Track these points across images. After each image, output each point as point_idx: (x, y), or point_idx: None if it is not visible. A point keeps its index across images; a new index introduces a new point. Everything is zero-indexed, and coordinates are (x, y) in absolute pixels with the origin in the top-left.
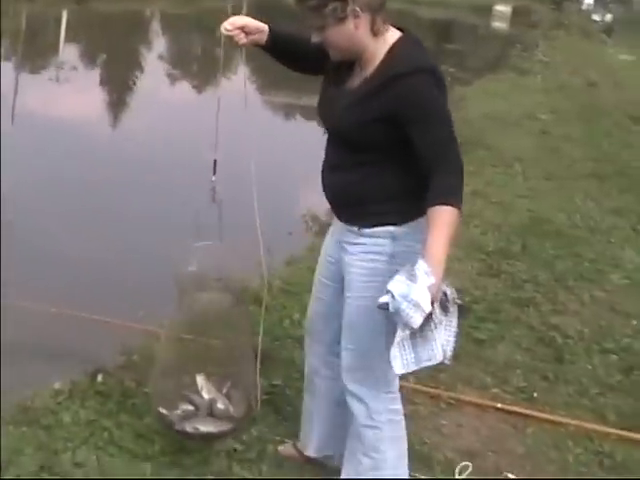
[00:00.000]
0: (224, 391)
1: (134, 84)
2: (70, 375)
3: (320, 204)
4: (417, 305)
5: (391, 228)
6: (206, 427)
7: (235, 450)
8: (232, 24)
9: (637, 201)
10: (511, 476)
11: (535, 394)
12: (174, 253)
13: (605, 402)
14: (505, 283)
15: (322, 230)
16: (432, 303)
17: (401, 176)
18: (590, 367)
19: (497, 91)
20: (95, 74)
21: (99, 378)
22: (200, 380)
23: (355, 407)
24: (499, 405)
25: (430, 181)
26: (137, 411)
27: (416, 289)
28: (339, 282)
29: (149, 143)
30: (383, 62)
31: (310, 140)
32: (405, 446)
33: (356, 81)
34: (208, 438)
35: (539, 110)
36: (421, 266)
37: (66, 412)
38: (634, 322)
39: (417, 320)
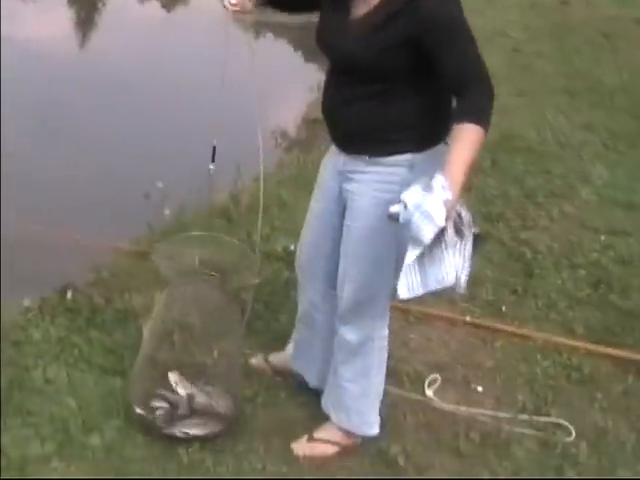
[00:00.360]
0: (198, 387)
1: (102, 3)
2: (39, 292)
3: (288, 121)
4: (430, 217)
5: (409, 156)
6: (196, 430)
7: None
8: None
9: (608, 117)
10: (480, 389)
11: (504, 308)
12: (145, 172)
13: (574, 316)
14: (476, 198)
15: (291, 146)
16: (446, 220)
17: (420, 102)
18: (559, 281)
19: (472, 7)
20: None
21: (69, 295)
22: (173, 377)
23: (350, 336)
24: (468, 319)
25: (461, 99)
26: (106, 327)
27: (430, 200)
28: (338, 215)
29: (120, 63)
30: None
31: (280, 58)
32: (384, 370)
33: (362, 9)
34: (200, 440)
35: (511, 28)
36: (439, 180)
37: (36, 329)
38: (602, 237)
39: (428, 234)
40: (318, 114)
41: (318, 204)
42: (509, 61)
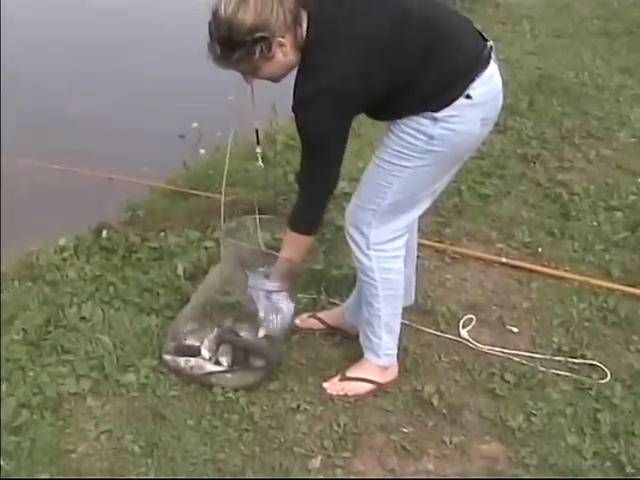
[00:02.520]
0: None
1: None
2: (74, 231)
3: None
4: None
5: (432, 113)
6: (230, 382)
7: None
8: None
9: None
10: (515, 330)
11: (540, 249)
12: (178, 109)
13: (610, 258)
14: (511, 139)
15: None
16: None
17: (411, 91)
18: (596, 224)
19: None
20: None
21: (104, 234)
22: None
23: (354, 258)
24: (504, 260)
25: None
26: (142, 266)
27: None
28: None
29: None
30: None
31: None
32: (400, 304)
33: None
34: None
35: None
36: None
37: (71, 268)
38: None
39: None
40: None
41: None
42: (546, 1)
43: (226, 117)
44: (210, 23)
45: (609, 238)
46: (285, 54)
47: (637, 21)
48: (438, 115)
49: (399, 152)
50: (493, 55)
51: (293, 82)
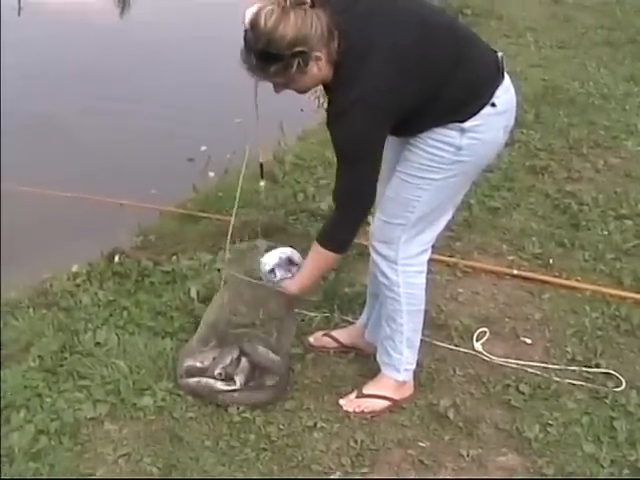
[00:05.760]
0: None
1: None
2: (87, 257)
3: None
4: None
5: (459, 124)
6: (244, 400)
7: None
8: None
9: None
10: (529, 341)
11: (551, 260)
12: (187, 133)
13: (621, 267)
14: (519, 151)
15: None
16: None
17: (438, 102)
18: (606, 233)
19: None
20: None
21: (116, 259)
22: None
23: (379, 274)
24: (515, 272)
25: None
26: (155, 290)
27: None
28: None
29: (159, 30)
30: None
31: None
32: (421, 319)
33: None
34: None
35: None
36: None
37: (85, 294)
38: None
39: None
40: None
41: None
42: (550, 13)
43: (234, 139)
44: (247, 33)
45: (619, 247)
46: (320, 68)
47: None
48: (465, 125)
49: (427, 165)
50: (505, 64)
51: (298, 99)
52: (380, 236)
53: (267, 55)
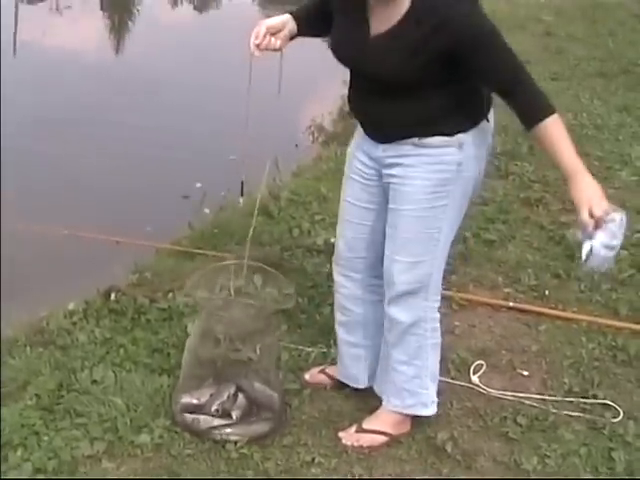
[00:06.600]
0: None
1: (137, 9)
2: (83, 295)
3: (324, 115)
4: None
5: (460, 135)
6: (239, 436)
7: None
8: (258, 37)
9: None
10: (525, 373)
11: (547, 292)
12: (181, 170)
13: (617, 297)
14: (513, 184)
15: (328, 140)
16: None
17: (455, 90)
18: None
19: None
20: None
21: (112, 296)
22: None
23: (401, 317)
24: (511, 304)
25: (514, 99)
26: (151, 327)
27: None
28: (381, 203)
29: (153, 66)
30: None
31: (311, 51)
32: (439, 352)
33: (384, 24)
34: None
35: (543, 12)
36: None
37: (81, 331)
38: None
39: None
40: None
41: (352, 196)
42: (542, 45)
43: (229, 176)
44: None
45: (615, 277)
46: None
47: (633, 60)
48: (464, 138)
49: (435, 193)
50: None
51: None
52: (408, 279)
53: None
